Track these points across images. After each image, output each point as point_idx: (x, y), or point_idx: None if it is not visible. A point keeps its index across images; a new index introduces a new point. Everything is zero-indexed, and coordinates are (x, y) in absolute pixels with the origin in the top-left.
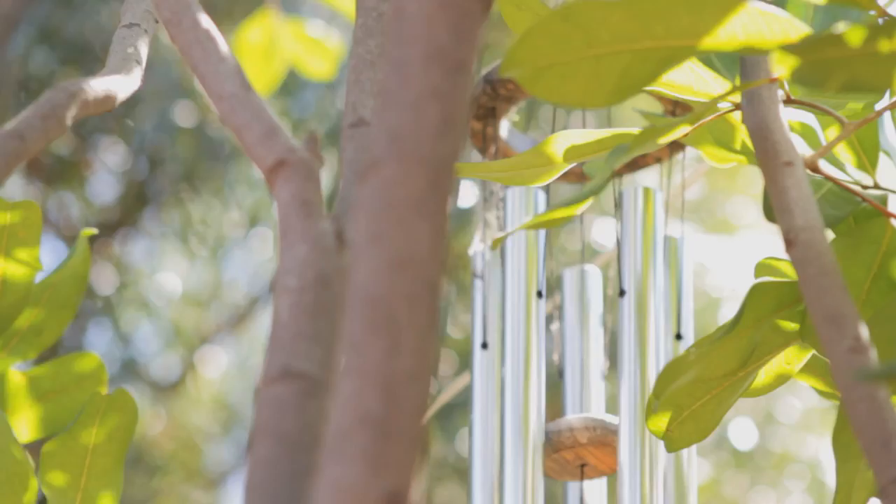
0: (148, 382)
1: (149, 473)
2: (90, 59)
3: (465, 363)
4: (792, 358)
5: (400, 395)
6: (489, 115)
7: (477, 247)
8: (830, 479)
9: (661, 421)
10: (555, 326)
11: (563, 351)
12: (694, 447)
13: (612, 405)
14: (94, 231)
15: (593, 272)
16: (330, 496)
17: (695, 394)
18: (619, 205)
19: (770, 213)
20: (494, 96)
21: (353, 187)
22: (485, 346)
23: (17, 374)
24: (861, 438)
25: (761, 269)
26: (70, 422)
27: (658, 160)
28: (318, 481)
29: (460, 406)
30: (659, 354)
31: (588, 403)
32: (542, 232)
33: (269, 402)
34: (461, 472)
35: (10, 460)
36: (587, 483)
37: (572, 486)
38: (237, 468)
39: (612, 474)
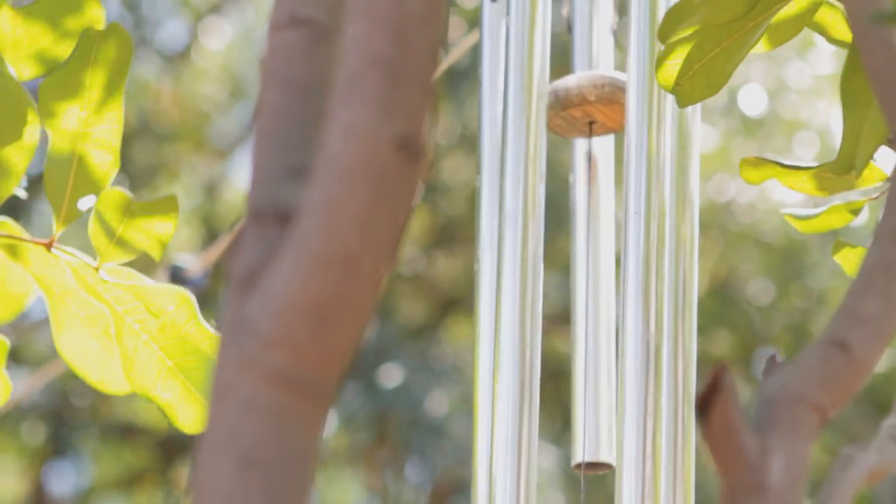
0: (155, 52)
1: (156, 143)
2: None
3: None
4: (804, 6)
5: (410, 37)
6: None
7: None
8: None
9: (671, 75)
10: None
11: (572, 5)
12: (699, 111)
13: (623, 63)
14: None
15: None
16: (341, 139)
17: (704, 46)
18: None
19: None
20: None
21: None
22: None
23: (10, 11)
24: (875, 84)
25: None
26: (67, 58)
27: None
28: (328, 125)
29: (467, 74)
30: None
31: (596, 60)
32: None
33: (276, 48)
34: (469, 140)
35: (9, 97)
36: (595, 140)
37: (580, 143)
38: (244, 139)
39: (619, 131)
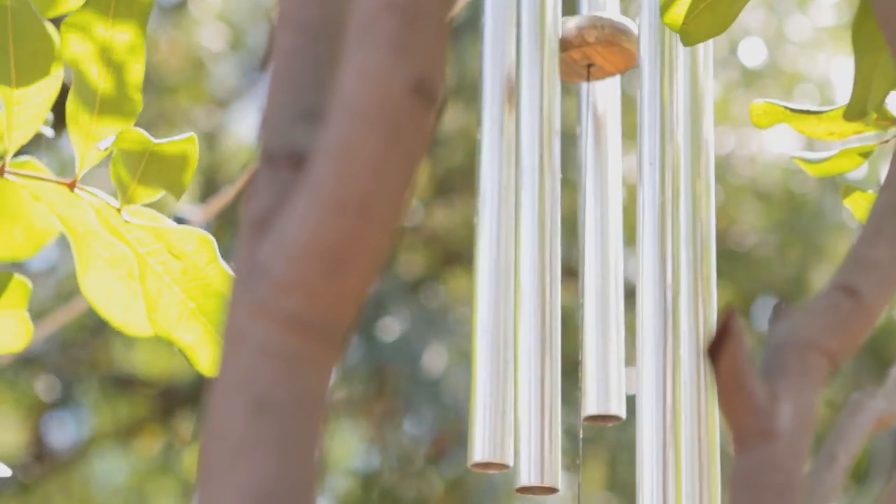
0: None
1: (155, 93)
2: None
3: None
4: None
5: None
6: None
7: None
8: (840, 97)
9: (678, 15)
10: None
11: None
12: (712, 60)
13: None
14: None
15: None
16: (355, 82)
17: None
18: None
19: None
20: None
21: None
22: None
23: None
24: (885, 28)
25: None
26: None
27: None
28: (342, 68)
29: (467, 25)
30: None
31: (602, 4)
32: None
33: None
34: (469, 91)
35: (34, 34)
36: (599, 86)
37: (584, 92)
38: (243, 89)
39: (618, 74)
